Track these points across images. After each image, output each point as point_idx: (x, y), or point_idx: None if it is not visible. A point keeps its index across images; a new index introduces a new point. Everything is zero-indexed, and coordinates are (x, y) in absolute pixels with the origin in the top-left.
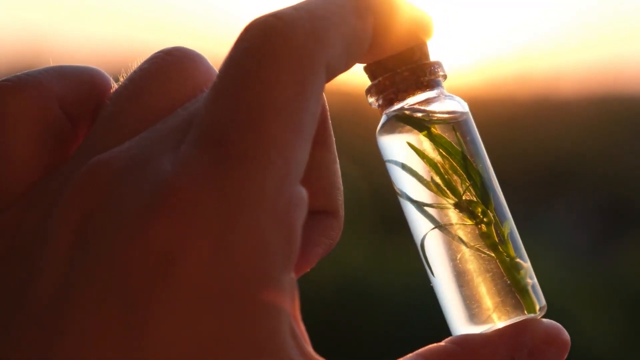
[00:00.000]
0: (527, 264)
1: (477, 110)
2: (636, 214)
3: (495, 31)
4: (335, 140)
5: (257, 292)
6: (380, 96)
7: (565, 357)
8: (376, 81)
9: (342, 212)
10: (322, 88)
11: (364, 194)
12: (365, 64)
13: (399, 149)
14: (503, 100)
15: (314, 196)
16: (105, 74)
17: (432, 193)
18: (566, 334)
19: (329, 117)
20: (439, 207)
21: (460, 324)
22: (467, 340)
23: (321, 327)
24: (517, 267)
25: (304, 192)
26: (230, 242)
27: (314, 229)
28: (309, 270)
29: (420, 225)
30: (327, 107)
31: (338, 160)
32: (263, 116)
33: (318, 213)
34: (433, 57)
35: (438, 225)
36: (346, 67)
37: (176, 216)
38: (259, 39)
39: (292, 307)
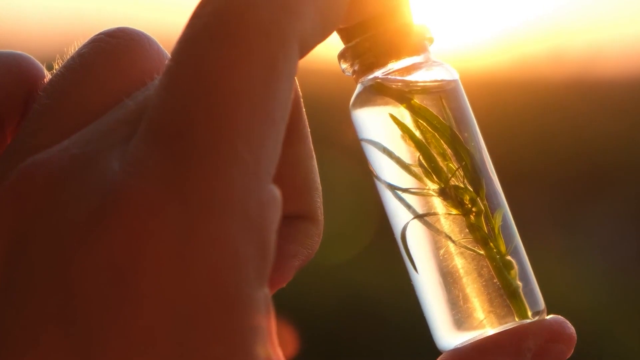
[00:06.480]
0: (524, 263)
1: (504, 95)
2: None
3: (524, 2)
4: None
5: (227, 313)
6: (357, 60)
7: (572, 350)
8: (353, 43)
9: (321, 216)
10: (294, 69)
11: (368, 197)
12: None
13: (377, 124)
14: (534, 82)
15: (289, 198)
16: (37, 61)
17: (414, 177)
18: (570, 328)
19: (302, 104)
20: (421, 194)
21: (444, 331)
22: (462, 357)
23: (324, 346)
24: (507, 266)
25: (277, 192)
26: (194, 255)
27: (289, 237)
28: (285, 285)
29: (400, 214)
30: (300, 92)
31: (314, 156)
32: (227, 103)
33: (293, 218)
34: (417, 20)
35: (419, 215)
36: (321, 40)
37: (128, 226)
38: (219, 13)
39: (267, 329)
